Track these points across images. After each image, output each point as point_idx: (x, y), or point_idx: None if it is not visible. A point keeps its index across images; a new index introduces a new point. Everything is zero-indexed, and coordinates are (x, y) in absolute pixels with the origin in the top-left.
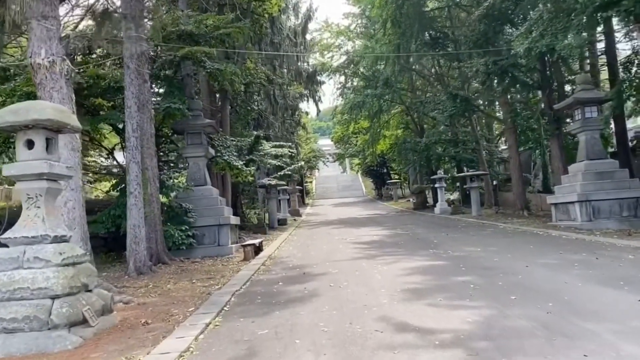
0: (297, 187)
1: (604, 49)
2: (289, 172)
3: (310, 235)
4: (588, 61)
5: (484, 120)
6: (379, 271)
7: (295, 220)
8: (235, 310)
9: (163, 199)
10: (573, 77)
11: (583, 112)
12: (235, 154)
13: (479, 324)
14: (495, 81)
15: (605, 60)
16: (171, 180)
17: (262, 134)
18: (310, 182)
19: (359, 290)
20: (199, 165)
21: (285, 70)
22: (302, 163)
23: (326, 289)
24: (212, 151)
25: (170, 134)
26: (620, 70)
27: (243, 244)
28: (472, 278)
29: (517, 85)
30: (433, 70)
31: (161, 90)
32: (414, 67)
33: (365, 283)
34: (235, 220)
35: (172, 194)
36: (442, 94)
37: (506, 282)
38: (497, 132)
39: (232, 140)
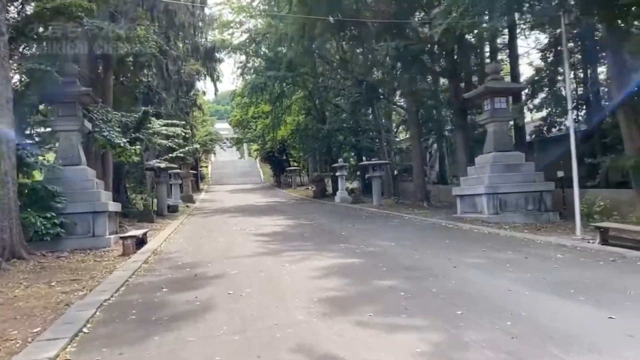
0: (191, 171)
1: (506, 43)
2: (182, 155)
3: (204, 224)
4: (487, 53)
5: (384, 111)
6: (287, 272)
7: (187, 207)
8: (98, 332)
9: (23, 180)
10: (480, 68)
11: (492, 103)
12: (118, 129)
13: (436, 358)
14: (405, 67)
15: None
16: (34, 157)
17: (152, 111)
18: (206, 166)
19: (266, 300)
20: (72, 140)
21: (180, 44)
22: (198, 146)
23: (224, 298)
24: (89, 125)
25: (38, 103)
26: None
27: (123, 235)
28: (399, 282)
29: (426, 73)
30: (337, 56)
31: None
32: (318, 51)
33: (273, 289)
34: (115, 206)
35: (38, 174)
36: (346, 80)
37: (441, 289)
38: (395, 123)
39: (115, 114)
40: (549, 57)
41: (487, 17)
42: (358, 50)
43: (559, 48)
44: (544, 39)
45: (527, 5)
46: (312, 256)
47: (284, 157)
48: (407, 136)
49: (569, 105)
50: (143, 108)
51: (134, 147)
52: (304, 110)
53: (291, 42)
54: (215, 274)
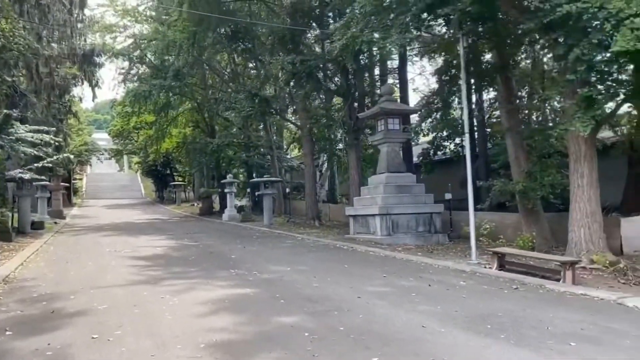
0: (63, 184)
1: (396, 68)
2: (50, 165)
3: (73, 244)
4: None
5: (276, 127)
6: (168, 306)
7: (56, 223)
8: None
9: None
10: (372, 89)
11: (386, 123)
12: None
13: None
14: (299, 83)
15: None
16: None
17: (16, 114)
18: (81, 179)
19: (141, 346)
20: None
21: (55, 44)
22: (72, 156)
23: (86, 344)
24: None
25: None
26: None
27: None
28: (301, 319)
29: (320, 91)
30: (229, 68)
31: None
32: (208, 62)
33: (150, 330)
34: None
35: None
36: (237, 93)
37: (349, 327)
38: (286, 140)
39: None
40: (436, 83)
41: (384, 35)
42: (251, 64)
43: (448, 74)
44: (428, 66)
45: (425, 25)
46: (199, 285)
47: (168, 172)
48: (299, 154)
49: (466, 128)
50: (5, 111)
51: None
52: (192, 122)
53: (180, 51)
54: (79, 310)
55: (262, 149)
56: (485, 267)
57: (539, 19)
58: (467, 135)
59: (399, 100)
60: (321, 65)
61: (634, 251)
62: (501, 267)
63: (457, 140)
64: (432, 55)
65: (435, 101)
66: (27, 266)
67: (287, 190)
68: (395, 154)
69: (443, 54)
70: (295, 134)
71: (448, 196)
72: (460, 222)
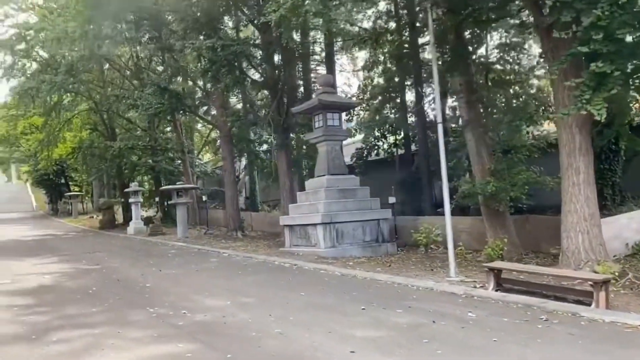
0: None
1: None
2: None
3: None
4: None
5: (183, 130)
6: None
7: None
8: None
9: None
10: (304, 81)
11: (325, 119)
12: None
13: None
14: (218, 73)
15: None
16: None
17: None
18: None
19: None
20: None
21: None
22: None
23: None
24: None
25: None
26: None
27: None
28: None
29: (243, 82)
30: (131, 63)
31: None
32: (107, 57)
33: None
34: None
35: None
36: (142, 91)
37: None
38: (197, 143)
39: None
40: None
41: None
42: (158, 58)
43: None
44: (356, 58)
45: None
46: (104, 340)
47: (63, 181)
48: (212, 158)
49: (439, 118)
50: None
51: None
52: (89, 125)
53: (73, 43)
54: None
55: (171, 153)
56: (475, 287)
57: None
58: (440, 127)
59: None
60: (245, 53)
61: (613, 256)
62: (499, 286)
63: (391, 139)
64: (362, 47)
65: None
66: None
67: (204, 198)
68: (336, 153)
69: (374, 46)
70: (207, 137)
71: (392, 200)
72: (405, 229)
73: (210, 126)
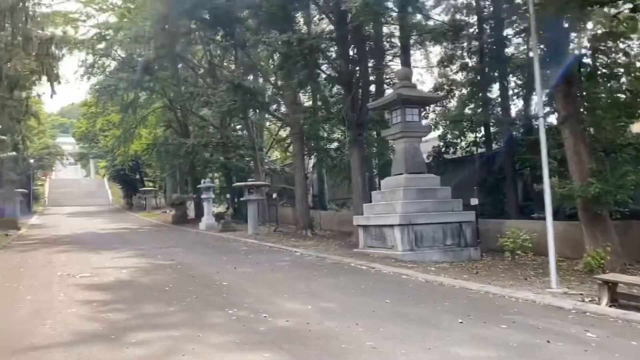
0: (20, 190)
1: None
2: None
3: (16, 266)
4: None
5: (254, 128)
6: None
7: (7, 235)
8: None
9: None
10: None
11: (404, 114)
12: None
13: None
14: (295, 68)
15: None
16: None
17: None
18: (42, 185)
19: None
20: None
21: (7, 32)
22: (32, 160)
23: None
24: None
25: None
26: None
27: None
28: None
29: (317, 78)
30: (204, 61)
31: None
32: (181, 55)
33: None
34: None
35: None
36: (216, 86)
37: None
38: (266, 141)
39: None
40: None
41: None
42: (230, 54)
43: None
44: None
45: None
46: (184, 345)
47: (138, 176)
48: (279, 156)
49: (540, 112)
50: None
51: None
52: (164, 122)
53: (149, 41)
54: None
55: (241, 150)
56: (584, 301)
57: None
58: (541, 121)
59: None
60: (320, 47)
61: None
62: (614, 302)
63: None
64: (439, 41)
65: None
66: None
67: (274, 195)
68: (414, 150)
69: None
70: (275, 134)
71: (474, 201)
72: (488, 232)
73: (279, 124)
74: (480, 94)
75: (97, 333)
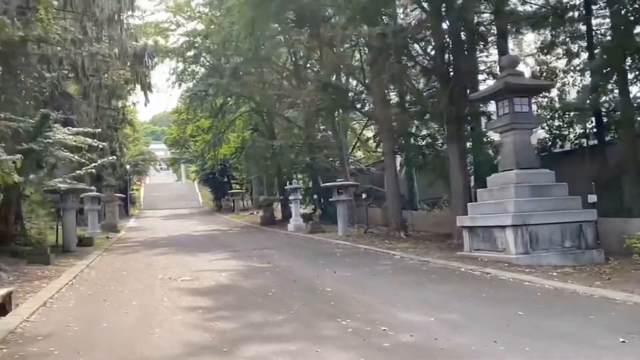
0: (120, 195)
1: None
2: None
3: (119, 268)
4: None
5: (340, 127)
6: None
7: (108, 238)
8: None
9: None
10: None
11: (512, 104)
12: None
13: None
14: (388, 62)
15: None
16: None
17: (58, 116)
18: (138, 189)
19: None
20: None
21: (102, 44)
22: (128, 166)
23: None
24: None
25: None
26: None
27: None
28: None
29: (410, 71)
30: (289, 62)
31: None
32: (266, 58)
33: None
34: None
35: None
36: (304, 84)
37: None
38: (351, 137)
39: None
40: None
41: None
42: (316, 53)
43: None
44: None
45: None
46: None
47: (225, 179)
48: (363, 156)
49: None
50: (42, 110)
51: (13, 158)
52: (250, 125)
53: (236, 44)
54: None
55: (326, 150)
56: None
57: None
58: None
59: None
60: (416, 37)
61: None
62: None
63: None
64: (538, 27)
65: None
66: (51, 307)
67: (364, 195)
68: (525, 144)
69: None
70: (360, 133)
71: (592, 199)
72: (609, 233)
73: (363, 122)
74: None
75: (208, 344)
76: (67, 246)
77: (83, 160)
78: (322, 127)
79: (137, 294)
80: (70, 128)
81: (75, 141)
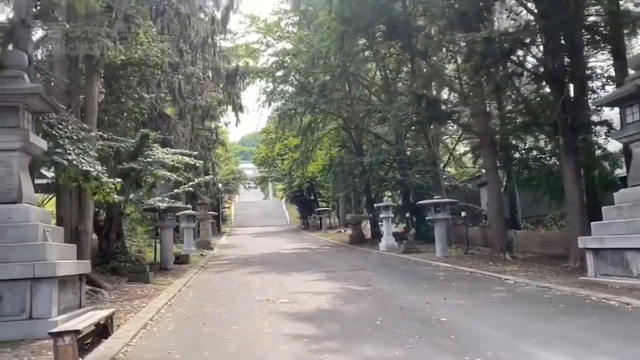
0: (212, 212)
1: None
2: (190, 190)
3: (216, 287)
4: None
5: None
6: None
7: (203, 255)
8: None
9: None
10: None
11: None
12: (92, 154)
13: None
14: (491, 69)
15: None
16: None
17: (157, 136)
18: (229, 207)
19: None
20: (8, 164)
21: (198, 67)
22: (220, 185)
23: None
24: (41, 143)
25: None
26: None
27: (56, 330)
28: None
29: (516, 79)
30: (377, 76)
31: None
32: (355, 74)
33: None
34: (72, 267)
35: None
36: (391, 103)
37: None
38: (443, 152)
39: (89, 132)
40: None
41: None
42: (407, 65)
43: None
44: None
45: None
46: None
47: (312, 197)
48: (455, 172)
49: None
50: (142, 130)
51: (110, 180)
52: (339, 142)
53: (326, 60)
54: None
55: (419, 166)
56: None
57: None
58: None
59: (615, 85)
60: (524, 40)
61: None
62: None
63: None
64: None
65: None
66: (151, 330)
67: (463, 214)
68: None
69: None
70: (453, 148)
71: None
72: None
73: (455, 137)
74: None
75: None
76: (165, 264)
77: (180, 179)
78: (412, 142)
79: (236, 317)
80: (168, 149)
81: (172, 160)
